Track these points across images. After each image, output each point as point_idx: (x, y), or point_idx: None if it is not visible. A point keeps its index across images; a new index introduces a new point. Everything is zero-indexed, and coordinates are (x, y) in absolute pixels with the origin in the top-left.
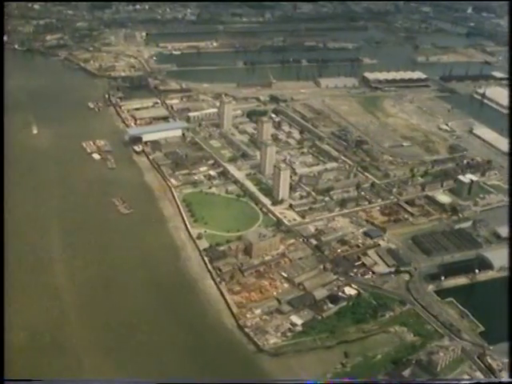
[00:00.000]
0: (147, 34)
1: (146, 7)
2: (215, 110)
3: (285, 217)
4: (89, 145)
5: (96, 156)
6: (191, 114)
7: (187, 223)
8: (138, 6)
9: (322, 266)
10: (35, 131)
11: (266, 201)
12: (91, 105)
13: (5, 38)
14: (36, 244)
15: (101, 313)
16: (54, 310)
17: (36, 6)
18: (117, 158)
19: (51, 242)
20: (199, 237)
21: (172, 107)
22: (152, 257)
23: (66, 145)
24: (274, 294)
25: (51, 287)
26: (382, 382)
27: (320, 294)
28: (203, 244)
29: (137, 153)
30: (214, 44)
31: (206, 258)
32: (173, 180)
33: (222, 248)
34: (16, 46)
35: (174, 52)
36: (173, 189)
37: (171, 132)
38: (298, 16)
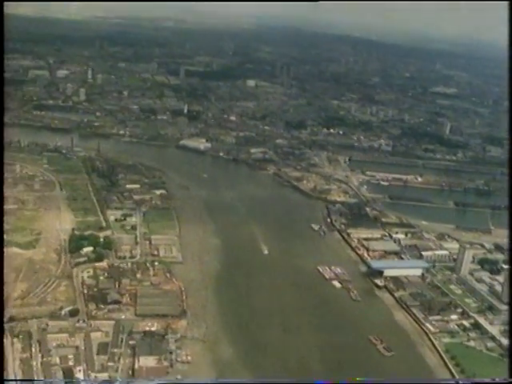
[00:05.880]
0: (350, 160)
1: (340, 132)
2: (445, 251)
3: None
4: (326, 270)
5: (337, 284)
6: (424, 253)
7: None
8: (331, 130)
9: None
10: (266, 251)
11: None
12: (315, 227)
13: (208, 145)
14: None
15: None
16: None
17: (232, 117)
18: (358, 289)
19: None
20: None
21: (399, 242)
22: None
23: (301, 267)
24: None
25: None
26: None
27: None
28: None
29: (378, 287)
30: (419, 179)
31: None
32: (428, 325)
33: None
34: (221, 154)
35: (382, 182)
36: (430, 335)
37: (411, 270)
38: (489, 159)
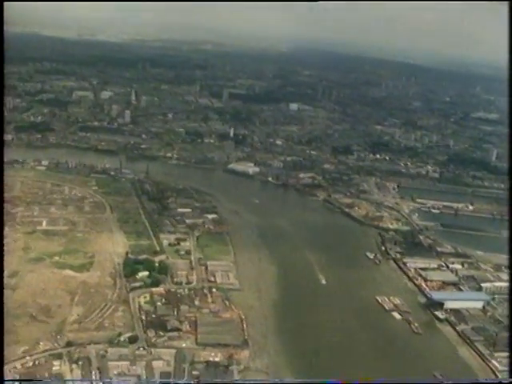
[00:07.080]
0: (398, 186)
1: (387, 158)
2: (504, 283)
3: None
4: (385, 301)
5: (397, 315)
6: (484, 285)
7: None
8: (378, 156)
9: None
10: (323, 281)
11: None
12: (370, 255)
13: (257, 169)
14: None
15: None
16: None
17: (278, 141)
18: (418, 321)
19: None
20: None
21: (457, 272)
22: None
23: (360, 297)
24: None
25: None
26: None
27: None
28: None
29: (439, 320)
30: (470, 207)
31: None
32: (495, 362)
33: None
34: (270, 179)
35: (433, 210)
36: (498, 374)
37: (472, 302)
38: None
